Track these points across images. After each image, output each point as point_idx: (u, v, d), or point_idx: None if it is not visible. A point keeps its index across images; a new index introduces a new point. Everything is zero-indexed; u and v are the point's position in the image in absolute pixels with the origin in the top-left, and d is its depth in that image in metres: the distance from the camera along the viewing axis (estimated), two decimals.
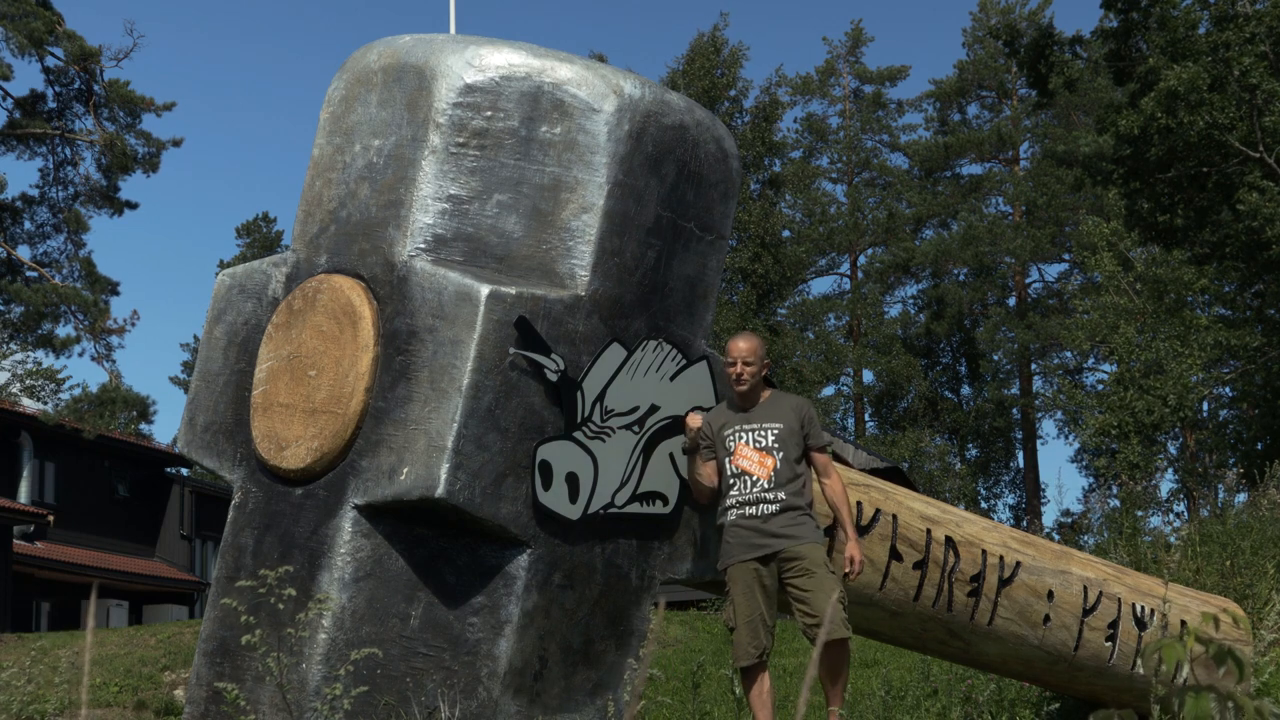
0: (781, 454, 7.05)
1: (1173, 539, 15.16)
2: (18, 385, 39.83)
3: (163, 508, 44.33)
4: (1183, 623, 9.19)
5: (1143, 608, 9.10)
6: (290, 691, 5.84)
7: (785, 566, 6.99)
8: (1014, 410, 58.86)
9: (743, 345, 7.16)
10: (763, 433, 7.06)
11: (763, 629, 7.01)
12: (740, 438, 7.04)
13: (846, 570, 7.09)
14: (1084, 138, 37.44)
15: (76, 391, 37.34)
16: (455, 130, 6.25)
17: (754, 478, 7.01)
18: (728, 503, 7.04)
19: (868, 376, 60.32)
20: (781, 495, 6.99)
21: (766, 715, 7.02)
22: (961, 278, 60.23)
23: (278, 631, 5.95)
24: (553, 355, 6.07)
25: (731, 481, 7.03)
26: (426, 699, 6.03)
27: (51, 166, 38.24)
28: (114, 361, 37.02)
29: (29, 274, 37.53)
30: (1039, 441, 60.61)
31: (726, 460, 7.02)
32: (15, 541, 35.08)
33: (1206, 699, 2.83)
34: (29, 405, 39.63)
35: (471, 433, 5.85)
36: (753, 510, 6.98)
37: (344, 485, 6.11)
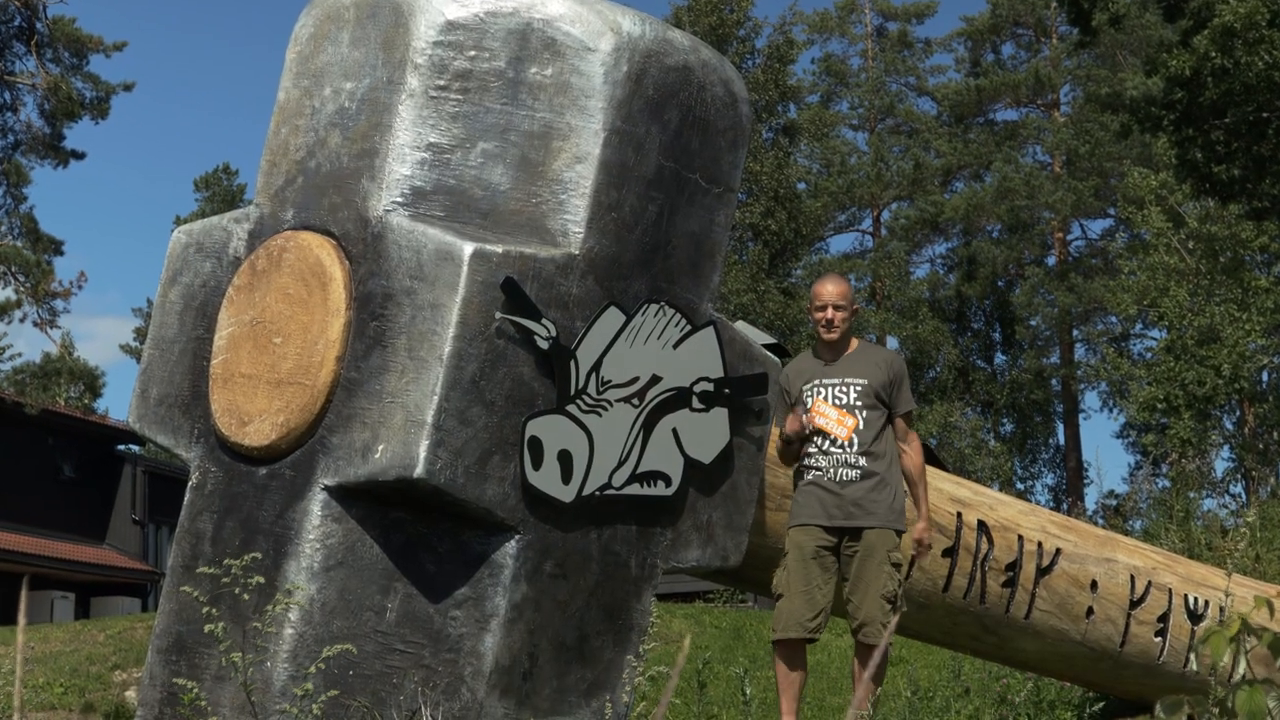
0: (865, 414, 7.02)
1: (1229, 523, 15.20)
2: None
3: (113, 490, 44.32)
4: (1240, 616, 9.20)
5: (1196, 599, 9.11)
6: (254, 691, 5.85)
7: (847, 546, 6.97)
8: (1053, 381, 58.85)
9: (831, 288, 7.14)
10: (845, 388, 7.03)
11: (818, 606, 6.97)
12: (819, 393, 7.01)
13: (914, 554, 7.09)
14: (1131, 80, 37.33)
15: (18, 361, 37.32)
16: (435, 72, 6.23)
17: (833, 439, 6.98)
18: (801, 463, 7.02)
19: (892, 343, 60.32)
20: (863, 461, 6.95)
21: (790, 699, 7.00)
22: (995, 235, 60.15)
23: (240, 626, 5.96)
24: (543, 320, 6.06)
25: (806, 442, 7.01)
26: (405, 701, 6.04)
27: None
28: (59, 328, 36.98)
29: None
30: (1081, 416, 60.48)
31: (804, 416, 7.00)
32: None
33: (1260, 693, 2.82)
34: None
35: (454, 406, 5.84)
36: (830, 475, 6.95)
37: (313, 464, 6.11)
